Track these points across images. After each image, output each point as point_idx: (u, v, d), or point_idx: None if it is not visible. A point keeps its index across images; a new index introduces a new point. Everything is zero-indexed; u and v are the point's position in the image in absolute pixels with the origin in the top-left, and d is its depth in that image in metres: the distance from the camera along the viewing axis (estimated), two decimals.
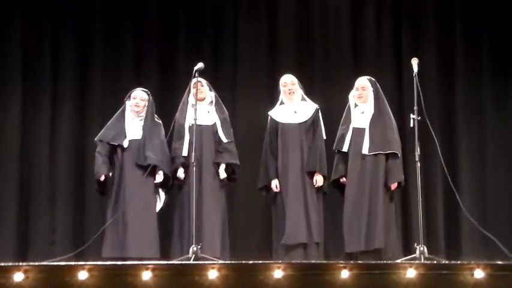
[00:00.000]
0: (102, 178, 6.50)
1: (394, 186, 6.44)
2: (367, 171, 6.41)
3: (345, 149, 6.53)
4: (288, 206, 6.49)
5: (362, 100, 6.60)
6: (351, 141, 6.52)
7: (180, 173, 6.52)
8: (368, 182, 6.39)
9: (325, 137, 6.69)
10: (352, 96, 6.65)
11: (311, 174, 6.55)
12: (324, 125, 6.76)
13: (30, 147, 8.00)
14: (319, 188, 6.57)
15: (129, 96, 6.72)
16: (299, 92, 6.75)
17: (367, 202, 6.35)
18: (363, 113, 6.58)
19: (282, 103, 6.78)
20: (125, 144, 6.56)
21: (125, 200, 6.44)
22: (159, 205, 6.63)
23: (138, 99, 6.67)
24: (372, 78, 6.68)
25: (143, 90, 6.75)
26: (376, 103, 6.57)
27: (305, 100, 6.76)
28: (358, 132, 6.51)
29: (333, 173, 6.58)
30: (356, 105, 6.64)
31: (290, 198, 6.50)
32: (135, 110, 6.66)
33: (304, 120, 6.64)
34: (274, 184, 6.59)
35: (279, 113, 6.71)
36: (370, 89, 6.61)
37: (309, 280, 5.22)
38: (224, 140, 6.65)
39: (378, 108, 6.56)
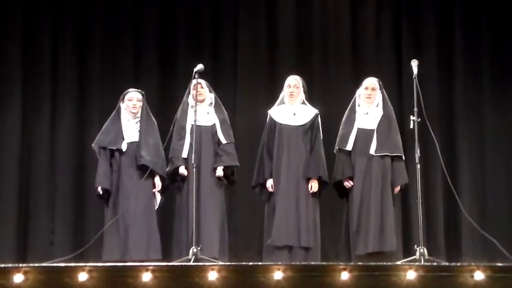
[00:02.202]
0: (100, 190, 6.49)
1: (398, 188, 6.47)
2: (374, 172, 6.42)
3: (348, 148, 6.52)
4: (278, 207, 6.47)
5: (369, 101, 6.60)
6: (355, 141, 6.52)
7: (182, 170, 6.49)
8: (375, 183, 6.40)
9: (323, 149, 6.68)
10: (359, 96, 6.65)
11: (308, 180, 6.54)
12: (323, 125, 6.76)
13: (30, 148, 8.00)
14: (314, 192, 6.55)
15: (123, 98, 6.71)
16: (301, 96, 6.72)
17: (376, 203, 6.36)
18: (367, 113, 6.58)
19: (282, 102, 6.77)
20: (123, 147, 6.56)
21: (123, 202, 6.43)
22: (155, 206, 6.62)
23: (135, 101, 6.66)
24: (380, 81, 6.68)
25: (137, 91, 6.74)
26: (384, 106, 6.60)
27: (305, 104, 6.75)
28: (365, 133, 6.51)
29: (338, 174, 6.55)
30: (359, 105, 6.64)
31: (280, 199, 6.48)
32: (133, 111, 6.65)
33: (302, 123, 6.62)
34: (270, 184, 6.57)
35: (278, 113, 6.71)
36: (379, 91, 6.62)
37: (309, 282, 5.22)
38: (223, 141, 6.64)
39: (386, 111, 6.58)
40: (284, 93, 6.74)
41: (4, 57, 8.06)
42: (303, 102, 6.74)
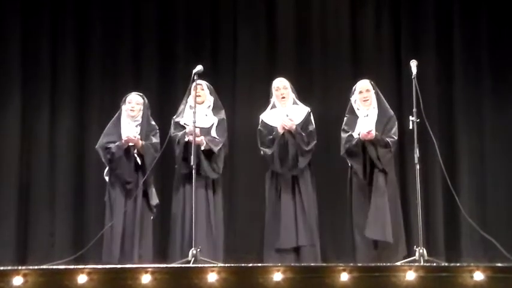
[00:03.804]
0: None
1: (371, 133, 6.37)
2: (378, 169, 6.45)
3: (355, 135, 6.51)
4: (282, 210, 6.48)
5: (367, 103, 6.58)
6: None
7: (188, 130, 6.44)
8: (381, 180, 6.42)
9: (315, 140, 6.65)
10: (354, 101, 6.62)
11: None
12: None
13: (30, 149, 7.99)
14: (309, 185, 6.57)
15: (125, 101, 6.71)
16: (291, 96, 6.74)
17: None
18: (367, 116, 6.57)
19: (273, 106, 6.77)
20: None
21: (121, 205, 6.44)
22: (155, 200, 6.62)
23: (134, 103, 6.67)
24: (371, 81, 6.68)
25: (138, 94, 6.73)
26: (379, 105, 6.59)
27: (297, 104, 6.75)
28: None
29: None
30: (358, 109, 6.63)
31: (283, 202, 6.49)
32: (131, 114, 6.65)
33: (296, 123, 6.60)
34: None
35: (271, 116, 6.70)
36: (373, 91, 6.62)
37: (309, 283, 5.21)
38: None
39: (381, 110, 6.57)
40: (274, 97, 6.74)
41: (4, 56, 8.06)
42: (294, 102, 6.74)
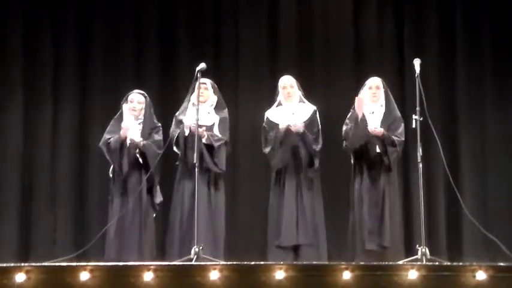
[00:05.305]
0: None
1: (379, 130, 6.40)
2: (377, 168, 6.44)
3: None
4: (284, 207, 6.48)
5: (375, 99, 6.58)
6: None
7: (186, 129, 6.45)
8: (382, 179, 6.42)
9: (321, 142, 6.65)
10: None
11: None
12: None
13: (32, 147, 8.00)
14: (313, 181, 6.56)
15: (126, 99, 6.69)
16: (297, 94, 6.73)
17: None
18: (372, 113, 6.56)
19: (279, 104, 6.76)
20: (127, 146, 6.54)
21: (124, 202, 6.45)
22: (159, 198, 6.63)
23: (135, 103, 6.64)
24: (383, 80, 6.66)
25: (139, 93, 6.70)
26: (387, 104, 6.59)
27: (303, 102, 6.74)
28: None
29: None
30: (365, 105, 6.61)
31: (286, 199, 6.49)
32: (133, 113, 6.64)
33: (302, 121, 6.59)
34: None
35: (277, 114, 6.69)
36: (382, 90, 6.61)
37: (311, 281, 5.21)
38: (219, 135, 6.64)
39: (389, 110, 6.57)
40: (281, 95, 6.73)
41: (5, 54, 8.07)
42: (301, 100, 6.73)
